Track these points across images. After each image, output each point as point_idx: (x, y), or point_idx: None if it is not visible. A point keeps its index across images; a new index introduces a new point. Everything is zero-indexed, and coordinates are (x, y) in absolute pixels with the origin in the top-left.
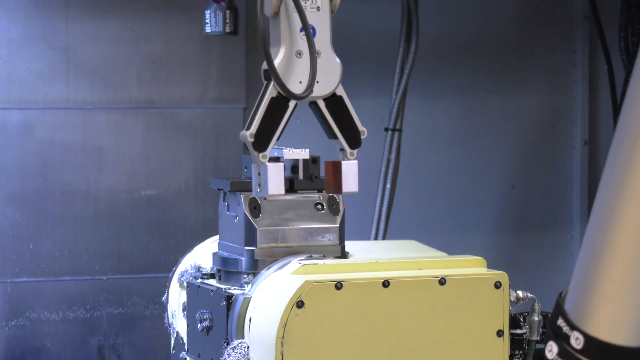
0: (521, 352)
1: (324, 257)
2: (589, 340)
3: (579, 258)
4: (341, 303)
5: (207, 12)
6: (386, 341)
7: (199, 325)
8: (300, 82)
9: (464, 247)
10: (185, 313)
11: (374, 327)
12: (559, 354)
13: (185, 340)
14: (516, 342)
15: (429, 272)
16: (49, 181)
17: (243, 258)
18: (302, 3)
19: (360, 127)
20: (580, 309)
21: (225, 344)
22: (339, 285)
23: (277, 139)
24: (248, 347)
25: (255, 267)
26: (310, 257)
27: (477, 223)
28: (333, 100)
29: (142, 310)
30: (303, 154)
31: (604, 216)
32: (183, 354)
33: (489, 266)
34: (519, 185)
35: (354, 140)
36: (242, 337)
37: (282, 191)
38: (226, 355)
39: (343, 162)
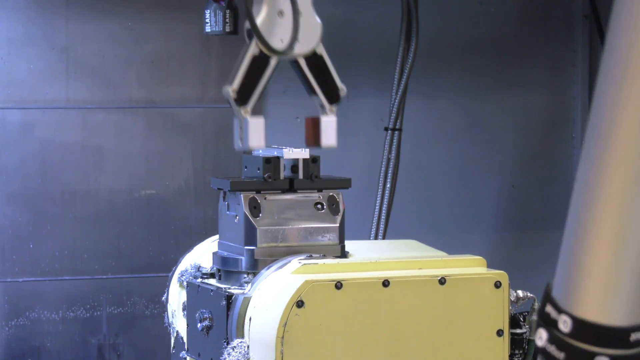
0: (521, 351)
1: (324, 256)
2: (577, 322)
3: (563, 240)
4: (341, 303)
5: (207, 12)
6: (386, 341)
7: (199, 324)
8: (282, 41)
9: (464, 246)
10: (185, 313)
11: (374, 326)
12: (549, 340)
13: (185, 339)
14: (516, 342)
15: (429, 272)
16: (49, 181)
17: (243, 257)
18: None
19: (340, 85)
20: (566, 291)
21: (225, 343)
22: (339, 285)
23: (259, 96)
24: (248, 347)
25: (255, 267)
26: (310, 257)
27: (477, 222)
28: (313, 59)
29: (142, 310)
30: (303, 153)
31: (584, 195)
32: (183, 353)
33: (489, 266)
34: (519, 185)
35: (333, 96)
36: (242, 337)
37: (262, 144)
38: (226, 355)
39: (322, 118)
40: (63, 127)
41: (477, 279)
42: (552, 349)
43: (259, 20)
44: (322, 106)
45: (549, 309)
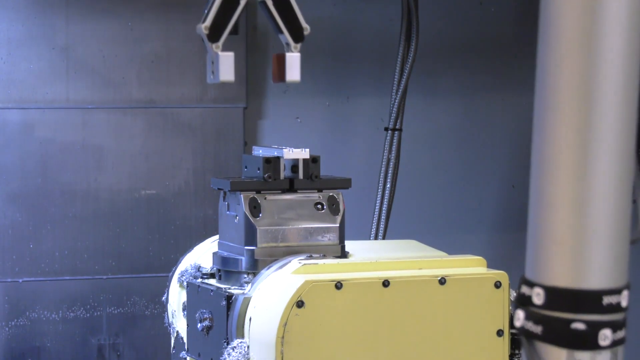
0: (521, 351)
1: (324, 256)
2: (549, 291)
3: (528, 221)
4: (341, 303)
5: None
6: (386, 341)
7: (199, 324)
8: None
9: (464, 246)
10: (185, 313)
11: (374, 326)
12: (525, 317)
13: (185, 339)
14: (516, 342)
15: (429, 272)
16: (49, 181)
17: (243, 258)
18: None
19: (304, 25)
20: (536, 265)
21: (225, 343)
22: (339, 285)
23: (229, 33)
24: (248, 347)
25: (255, 267)
26: (310, 257)
27: (477, 222)
28: (280, 0)
29: (142, 310)
30: (303, 153)
31: (539, 167)
32: (183, 353)
33: (489, 266)
34: (519, 184)
35: (297, 35)
36: (242, 337)
37: (232, 78)
38: (226, 355)
39: (287, 54)
40: (63, 127)
41: (477, 279)
42: (530, 325)
43: None
44: (288, 44)
45: (523, 289)
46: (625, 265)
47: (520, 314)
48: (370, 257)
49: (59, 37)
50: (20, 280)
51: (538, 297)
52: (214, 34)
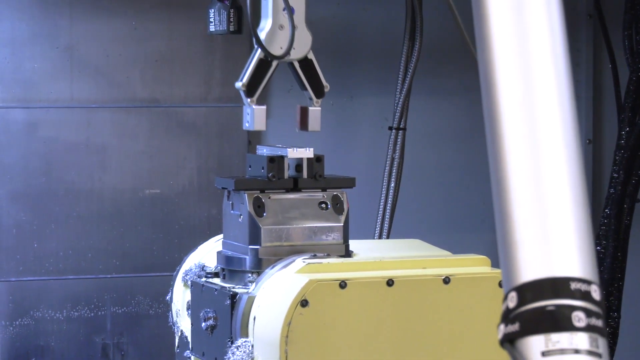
0: None
1: (328, 256)
2: (520, 290)
3: (497, 240)
4: (345, 302)
5: (211, 11)
6: (390, 340)
7: (203, 324)
8: (281, 48)
9: (468, 246)
10: (189, 312)
11: (378, 326)
12: (505, 324)
13: (189, 339)
14: None
15: (433, 271)
16: (53, 180)
17: (247, 257)
18: None
19: (324, 83)
20: (505, 274)
21: (230, 342)
22: (343, 284)
23: (262, 89)
24: (252, 346)
25: (259, 266)
26: (315, 256)
27: (481, 222)
28: (305, 62)
29: (146, 309)
30: (307, 152)
31: (494, 180)
32: (187, 352)
33: (493, 265)
34: None
35: (319, 92)
36: (247, 336)
37: (264, 127)
38: (230, 354)
39: (310, 108)
40: (67, 126)
41: (481, 278)
42: (509, 329)
43: (264, 33)
44: (311, 99)
45: (502, 306)
46: (592, 261)
47: (501, 327)
48: (374, 256)
49: (63, 36)
50: (25, 280)
51: (512, 300)
52: (250, 90)
